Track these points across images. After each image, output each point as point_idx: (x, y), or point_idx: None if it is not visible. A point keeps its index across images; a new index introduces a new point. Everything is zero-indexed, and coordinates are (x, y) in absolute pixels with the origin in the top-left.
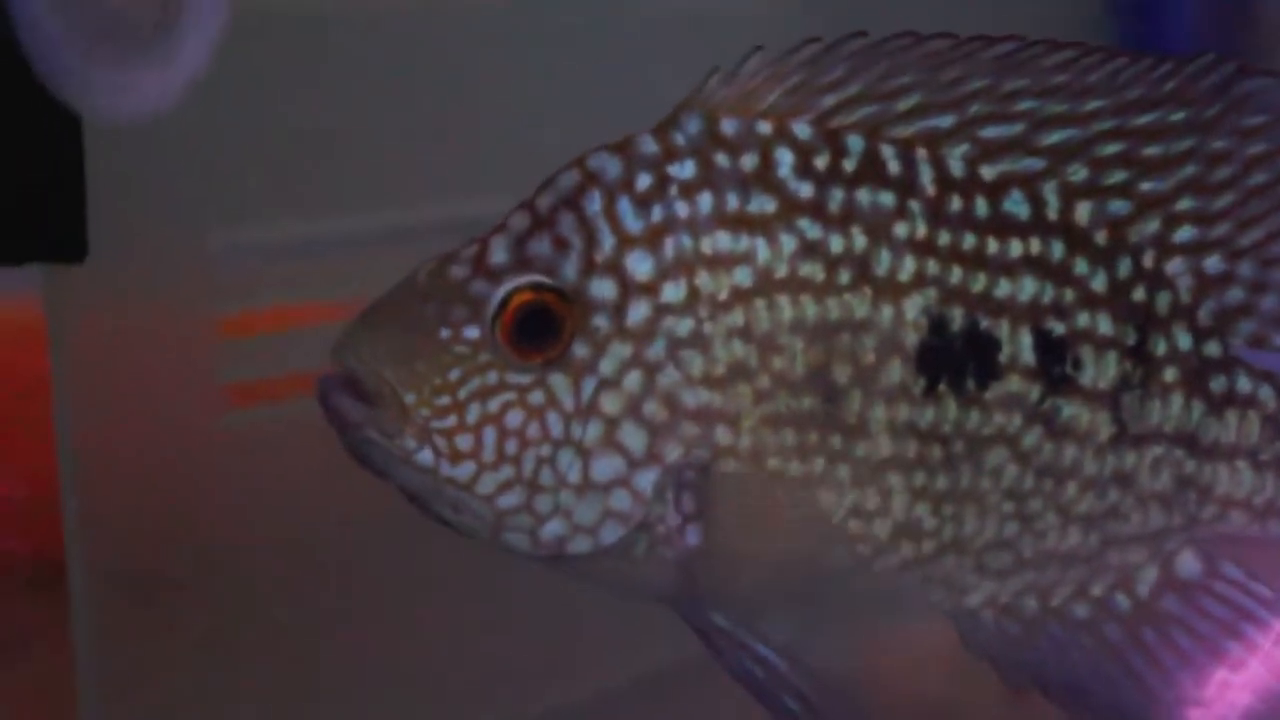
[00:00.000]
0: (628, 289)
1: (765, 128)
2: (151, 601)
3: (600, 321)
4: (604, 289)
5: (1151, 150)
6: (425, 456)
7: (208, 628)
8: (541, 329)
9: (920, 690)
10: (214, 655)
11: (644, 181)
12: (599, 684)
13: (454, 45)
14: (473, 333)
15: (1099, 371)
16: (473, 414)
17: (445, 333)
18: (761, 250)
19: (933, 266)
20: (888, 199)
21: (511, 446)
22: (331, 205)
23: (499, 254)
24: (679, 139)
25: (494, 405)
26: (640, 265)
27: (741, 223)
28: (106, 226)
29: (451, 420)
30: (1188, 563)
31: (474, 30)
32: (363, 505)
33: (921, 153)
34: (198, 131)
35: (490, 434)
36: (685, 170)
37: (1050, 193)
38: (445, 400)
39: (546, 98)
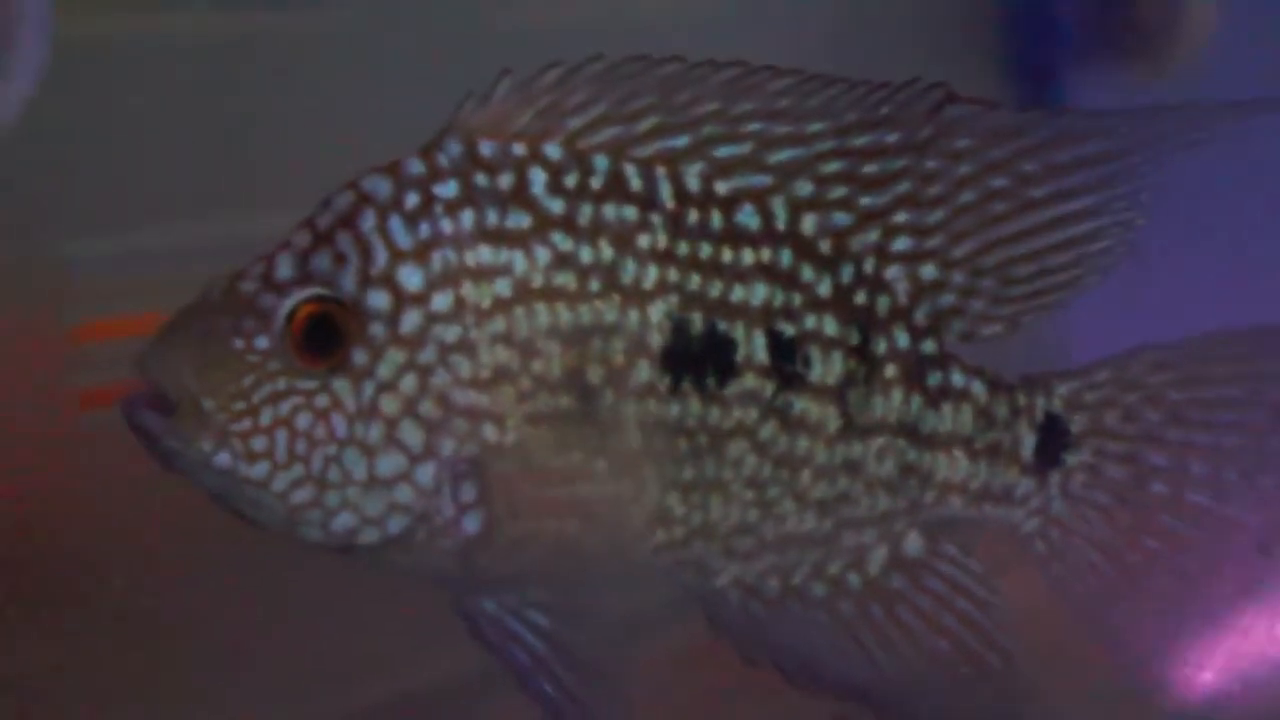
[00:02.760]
0: (400, 299)
1: (519, 149)
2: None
3: (377, 330)
4: (379, 300)
5: (869, 168)
6: (223, 459)
7: (63, 621)
8: (325, 337)
9: None
10: (70, 648)
11: (412, 200)
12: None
13: (302, 65)
14: (263, 342)
15: (826, 369)
16: (265, 417)
17: (238, 343)
18: (519, 262)
19: (674, 274)
20: (631, 213)
21: (301, 446)
22: (172, 216)
23: (284, 269)
24: (442, 160)
25: (284, 409)
26: (411, 278)
27: (500, 237)
28: None
29: (246, 424)
30: (913, 542)
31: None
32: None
33: (661, 170)
34: (48, 145)
35: (281, 436)
36: (449, 189)
37: (779, 206)
38: (240, 405)
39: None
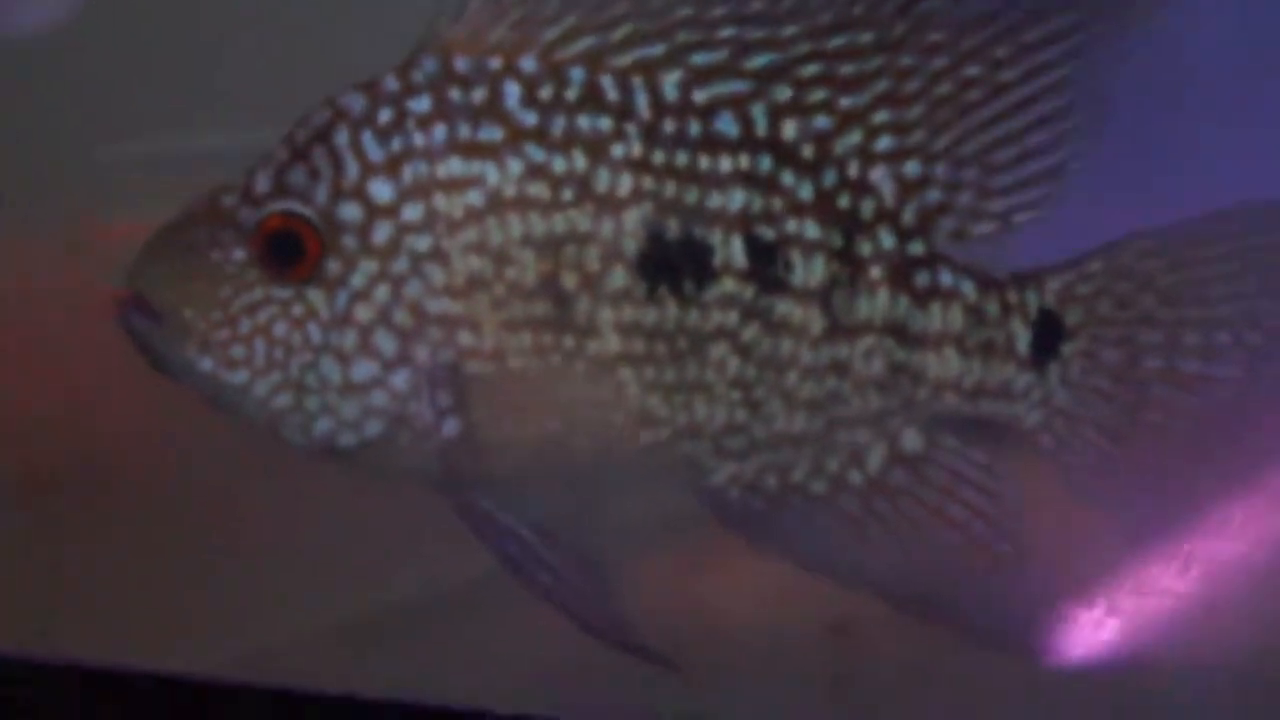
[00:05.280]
0: (372, 211)
1: (495, 63)
2: (37, 493)
3: (349, 241)
4: (351, 212)
5: (847, 69)
6: (205, 365)
7: (96, 520)
8: (291, 250)
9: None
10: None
11: (385, 116)
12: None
13: None
14: (240, 254)
15: (808, 272)
16: (244, 326)
17: (216, 254)
18: (491, 173)
19: (649, 182)
20: (606, 123)
21: (279, 354)
22: (215, 121)
23: (262, 184)
24: (418, 76)
25: (261, 318)
26: (382, 190)
27: (472, 149)
28: None
29: (225, 332)
30: (910, 438)
31: None
32: None
33: (638, 80)
34: (85, 48)
35: (260, 344)
36: (421, 104)
37: (759, 113)
38: (219, 315)
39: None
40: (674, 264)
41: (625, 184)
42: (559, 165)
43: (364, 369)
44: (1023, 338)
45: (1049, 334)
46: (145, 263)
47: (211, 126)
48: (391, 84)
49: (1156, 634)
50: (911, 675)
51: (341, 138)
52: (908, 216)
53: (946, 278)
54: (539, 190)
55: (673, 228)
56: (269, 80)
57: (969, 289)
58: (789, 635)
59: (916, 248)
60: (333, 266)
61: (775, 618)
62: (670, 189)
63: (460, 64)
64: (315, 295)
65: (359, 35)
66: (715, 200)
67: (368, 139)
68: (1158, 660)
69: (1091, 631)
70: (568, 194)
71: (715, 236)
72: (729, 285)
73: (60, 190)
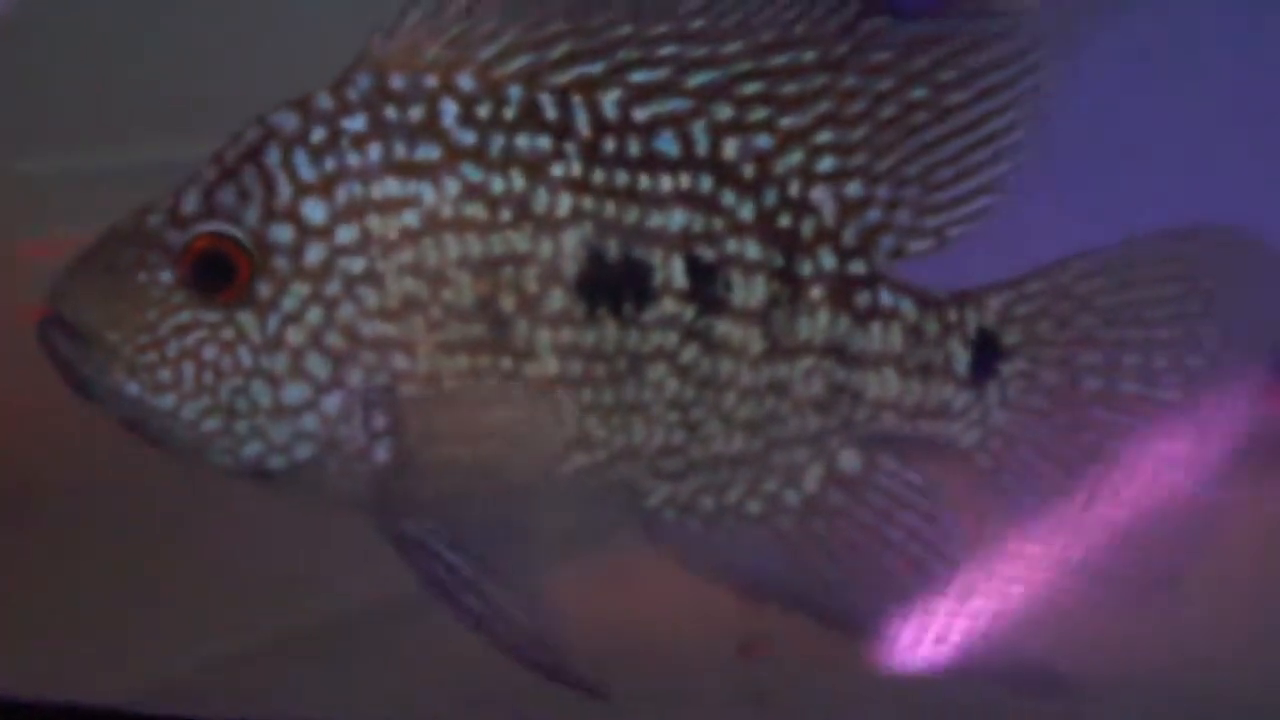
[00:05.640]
0: (304, 233)
1: (431, 81)
2: None
3: (281, 262)
4: (282, 233)
5: (789, 88)
6: (131, 389)
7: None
8: (220, 272)
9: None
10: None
11: (318, 135)
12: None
13: None
14: (167, 276)
15: (748, 292)
16: (171, 350)
17: (142, 276)
18: (427, 194)
19: (588, 203)
20: (545, 143)
21: (208, 377)
22: (129, 137)
23: (190, 204)
24: (352, 94)
25: (190, 341)
26: (314, 211)
27: (408, 169)
28: None
29: (152, 356)
30: (848, 459)
31: None
32: None
33: (578, 98)
34: (11, 56)
35: (188, 367)
36: (356, 123)
37: (699, 131)
38: (146, 338)
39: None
40: (613, 285)
41: (564, 204)
42: (497, 185)
43: (295, 392)
44: (961, 357)
45: (988, 354)
46: (68, 283)
47: (142, 140)
48: (325, 101)
49: (1094, 654)
50: (836, 692)
51: (273, 157)
52: (848, 236)
53: (886, 297)
54: (476, 210)
55: (612, 248)
56: (203, 94)
57: (909, 308)
58: (708, 653)
59: (857, 267)
60: (263, 288)
61: (692, 634)
62: (610, 209)
63: (396, 81)
64: (245, 318)
65: (298, 48)
66: (655, 220)
67: (300, 158)
68: (1094, 680)
69: (1023, 651)
70: (506, 214)
71: (655, 257)
72: (669, 306)
73: None
